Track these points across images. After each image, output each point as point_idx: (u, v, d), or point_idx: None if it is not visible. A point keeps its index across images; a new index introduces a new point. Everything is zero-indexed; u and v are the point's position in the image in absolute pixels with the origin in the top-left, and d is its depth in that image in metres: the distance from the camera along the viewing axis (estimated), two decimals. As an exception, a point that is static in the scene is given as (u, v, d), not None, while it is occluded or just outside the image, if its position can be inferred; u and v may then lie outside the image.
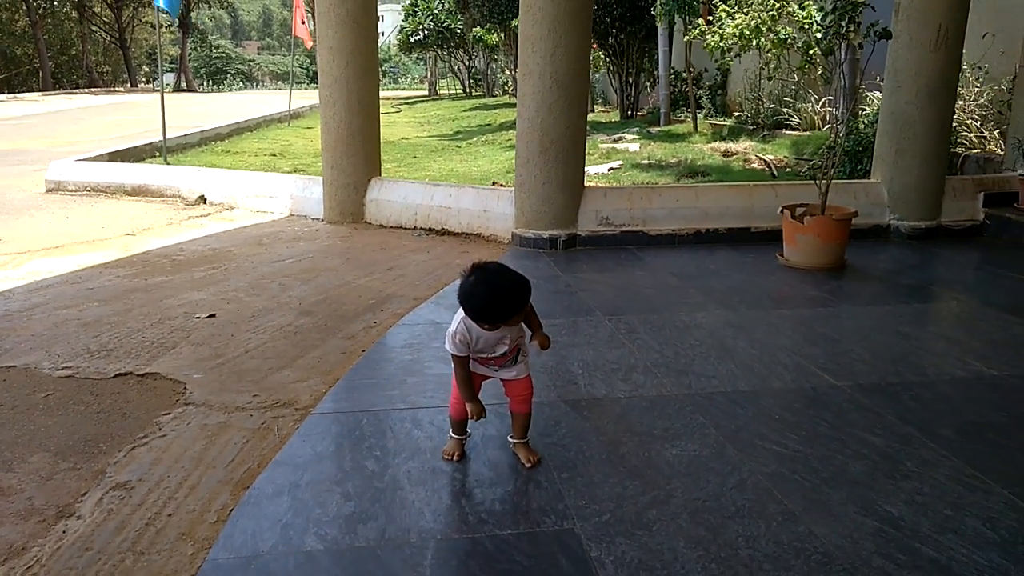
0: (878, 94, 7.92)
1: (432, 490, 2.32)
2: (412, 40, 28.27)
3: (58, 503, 2.29)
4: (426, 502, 2.26)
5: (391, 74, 51.82)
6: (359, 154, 6.49)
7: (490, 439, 2.64)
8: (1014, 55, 6.95)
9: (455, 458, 2.50)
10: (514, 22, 19.00)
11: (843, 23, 7.51)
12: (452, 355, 2.38)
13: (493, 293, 2.25)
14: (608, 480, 2.37)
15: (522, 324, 2.42)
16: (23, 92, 32.54)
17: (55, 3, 36.23)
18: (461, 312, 2.32)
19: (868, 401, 2.97)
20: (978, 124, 7.38)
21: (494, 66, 27.94)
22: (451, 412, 2.50)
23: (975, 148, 7.28)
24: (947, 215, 5.94)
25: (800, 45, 9.39)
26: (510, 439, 2.54)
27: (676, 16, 11.62)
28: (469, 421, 2.49)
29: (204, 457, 2.57)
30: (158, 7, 9.28)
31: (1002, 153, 6.83)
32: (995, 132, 7.26)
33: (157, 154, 10.03)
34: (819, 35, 8.96)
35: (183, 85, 39.94)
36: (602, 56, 14.72)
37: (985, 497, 2.28)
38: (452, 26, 26.68)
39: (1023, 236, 5.64)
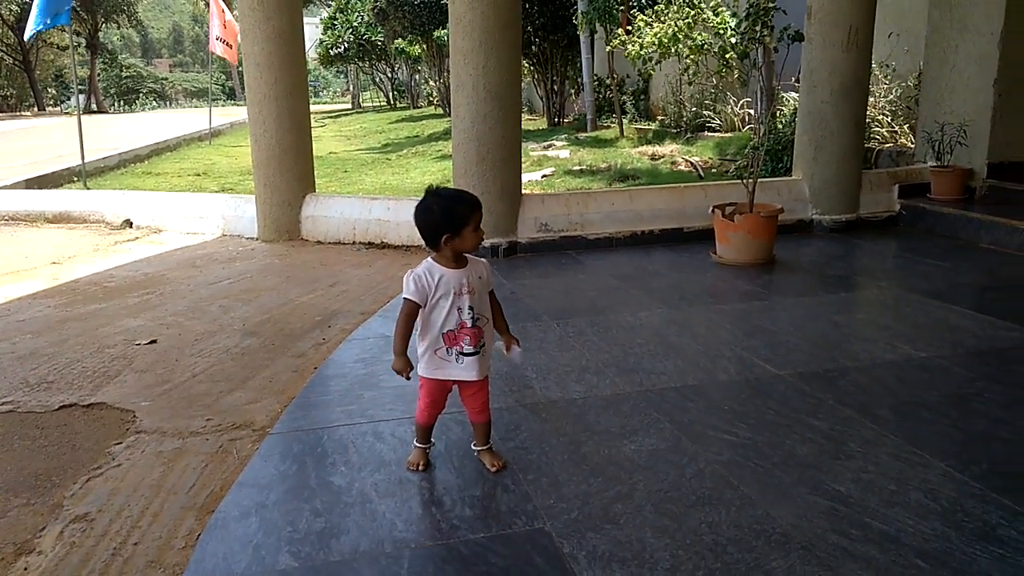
0: (794, 95, 8.26)
1: (401, 500, 2.35)
2: (332, 53, 27.94)
3: (15, 540, 2.22)
4: (397, 513, 2.28)
5: (311, 88, 51.15)
6: (292, 171, 6.43)
7: (454, 446, 2.68)
8: (918, 53, 7.35)
9: (420, 467, 2.52)
10: (436, 33, 19.08)
11: (757, 28, 7.81)
12: (404, 300, 2.38)
13: (444, 195, 2.39)
14: (573, 479, 2.44)
15: (488, 305, 2.45)
16: (-80, 119, 30.84)
17: (-49, 25, 34.51)
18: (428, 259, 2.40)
19: (808, 388, 3.11)
20: (889, 120, 7.78)
21: (417, 77, 27.88)
22: (418, 419, 2.52)
23: (887, 142, 7.67)
24: (865, 208, 6.24)
25: (716, 50, 9.72)
26: (474, 447, 2.58)
27: (597, 24, 11.87)
28: (434, 428, 2.55)
29: (163, 484, 2.53)
30: (60, 24, 9.00)
31: (913, 146, 7.22)
32: (905, 127, 7.66)
33: (76, 179, 9.70)
34: (733, 40, 9.30)
35: (93, 107, 38.57)
36: (526, 65, 14.88)
37: (924, 471, 2.43)
38: (373, 38, 26.48)
39: (937, 224, 5.98)
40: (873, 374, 3.26)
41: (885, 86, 7.93)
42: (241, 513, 2.29)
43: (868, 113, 6.91)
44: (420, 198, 2.41)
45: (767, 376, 3.25)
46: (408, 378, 2.39)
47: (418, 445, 2.56)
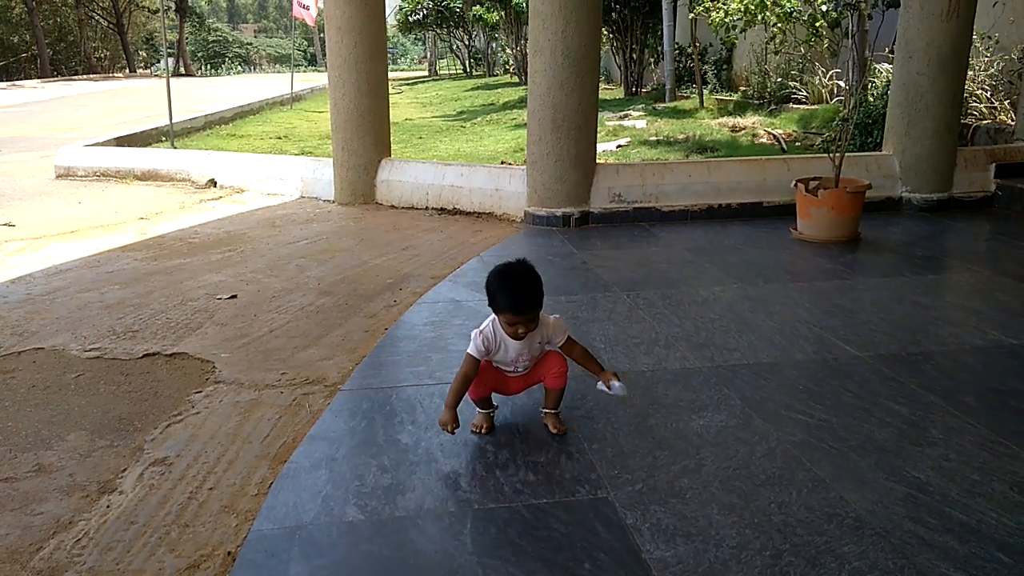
0: (887, 66, 7.88)
1: (466, 462, 2.37)
2: (411, 20, 28.03)
3: (99, 479, 2.33)
4: (461, 474, 2.30)
5: (390, 55, 51.57)
6: (369, 135, 6.50)
7: (519, 411, 2.68)
8: (1024, 24, 6.92)
9: (483, 431, 2.53)
10: None
11: (852, -6, 7.47)
12: (466, 354, 2.44)
13: (501, 278, 2.38)
14: (638, 451, 2.41)
15: (559, 353, 2.50)
16: (21, 79, 32.41)
17: (52, -12, 35.98)
18: (492, 316, 2.44)
19: (890, 371, 2.99)
20: (988, 94, 7.36)
21: (494, 45, 27.74)
22: (470, 395, 2.51)
23: (985, 119, 7.26)
24: (959, 187, 5.94)
25: (806, 18, 9.34)
26: (541, 409, 2.58)
27: (680, -9, 11.56)
28: (492, 397, 2.57)
29: (239, 433, 2.61)
30: None
31: (1013, 123, 6.82)
32: (1005, 102, 7.24)
33: (164, 139, 10.03)
34: (825, 8, 8.92)
35: (181, 70, 39.76)
36: (605, 32, 14.62)
37: (1011, 462, 2.31)
38: (451, 5, 26.44)
39: (1035, 206, 5.65)
40: (960, 360, 3.11)
41: (986, 59, 7.49)
42: (312, 465, 2.35)
43: (966, 87, 6.54)
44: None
45: (846, 357, 3.13)
46: (453, 432, 2.40)
47: (480, 410, 2.57)
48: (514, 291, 2.35)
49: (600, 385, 2.47)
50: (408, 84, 28.33)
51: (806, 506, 2.10)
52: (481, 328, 2.45)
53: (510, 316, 2.36)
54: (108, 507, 2.19)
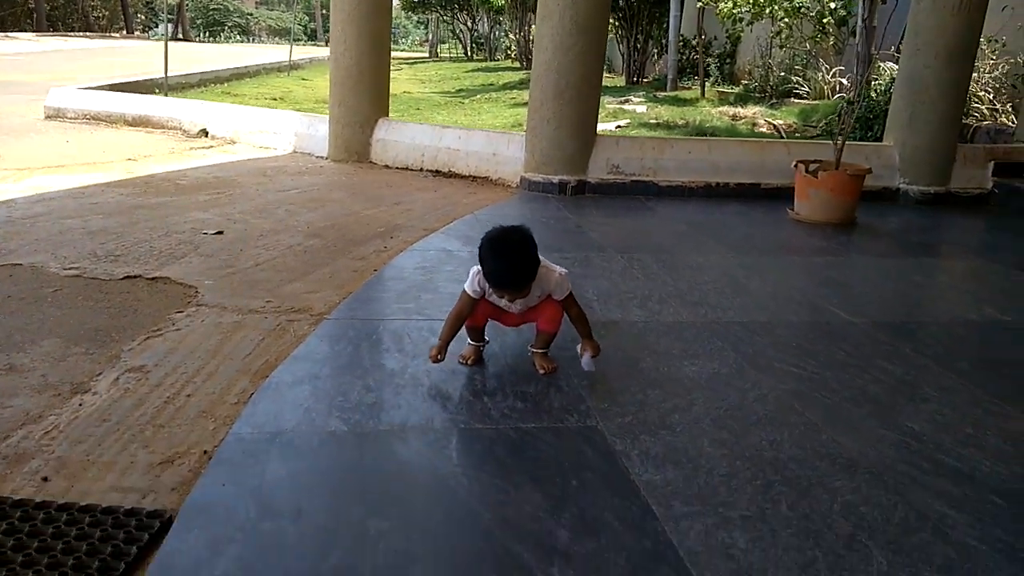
0: (891, 64, 7.87)
1: (453, 388, 2.31)
2: (416, 0, 27.87)
3: (72, 380, 2.26)
4: (448, 397, 2.24)
5: (391, 34, 51.21)
6: (368, 92, 6.40)
7: (509, 348, 2.62)
8: (1031, 29, 6.92)
9: (470, 362, 2.47)
10: (521, -18, 18.76)
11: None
12: (463, 291, 2.38)
13: (492, 245, 2.28)
14: (629, 388, 2.36)
15: (558, 303, 2.42)
16: (16, 32, 31.88)
17: (52, -58, 35.42)
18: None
19: (884, 336, 2.96)
20: (991, 96, 7.36)
21: (497, 30, 27.59)
22: (465, 323, 2.45)
23: (987, 120, 7.26)
24: (956, 182, 5.92)
25: (814, 14, 9.32)
26: (530, 348, 2.52)
27: (689, -19, 11.50)
28: (486, 328, 2.50)
29: (220, 350, 2.53)
30: None
31: (1013, 126, 6.82)
32: (1007, 105, 7.24)
33: (157, 91, 9.86)
34: (833, 4, 8.90)
35: (179, 35, 39.28)
36: (611, 20, 14.52)
37: (1005, 420, 2.28)
38: (457, -13, 26.32)
39: (1031, 205, 5.65)
40: (954, 331, 3.09)
41: (991, 61, 7.49)
42: (294, 380, 2.28)
43: (970, 88, 6.54)
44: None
45: (839, 321, 3.10)
46: (436, 361, 2.36)
47: (471, 342, 2.51)
48: (502, 267, 2.26)
49: (579, 350, 2.43)
50: (408, 63, 28.10)
51: (798, 445, 2.06)
52: (477, 270, 2.36)
53: (491, 284, 2.30)
54: (80, 405, 2.11)
